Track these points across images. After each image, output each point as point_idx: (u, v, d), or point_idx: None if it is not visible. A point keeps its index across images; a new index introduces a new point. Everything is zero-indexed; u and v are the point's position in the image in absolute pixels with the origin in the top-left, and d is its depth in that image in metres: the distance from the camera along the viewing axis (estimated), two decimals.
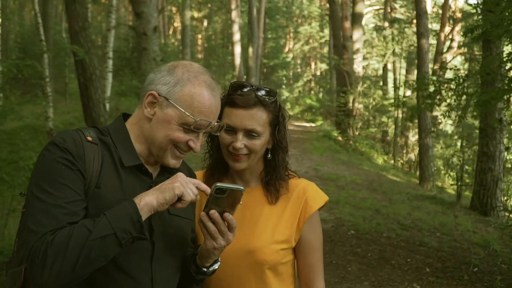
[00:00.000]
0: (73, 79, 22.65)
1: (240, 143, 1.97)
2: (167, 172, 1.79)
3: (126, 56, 21.60)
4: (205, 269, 1.81)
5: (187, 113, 1.67)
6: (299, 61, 52.14)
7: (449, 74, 16.47)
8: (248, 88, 2.02)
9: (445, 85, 8.36)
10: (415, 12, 17.40)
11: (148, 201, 1.55)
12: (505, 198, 12.78)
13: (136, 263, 1.66)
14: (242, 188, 1.65)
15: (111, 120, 10.28)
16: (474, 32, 6.81)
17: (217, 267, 1.85)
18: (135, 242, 1.56)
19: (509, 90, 6.97)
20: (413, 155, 24.16)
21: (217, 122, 1.77)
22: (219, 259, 1.84)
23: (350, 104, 21.82)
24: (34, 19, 12.68)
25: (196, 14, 42.32)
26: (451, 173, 18.92)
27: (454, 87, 8.07)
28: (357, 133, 22.09)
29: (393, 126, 26.24)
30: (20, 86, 17.97)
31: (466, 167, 14.70)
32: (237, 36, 29.51)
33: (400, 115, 23.85)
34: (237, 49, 29.32)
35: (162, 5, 27.03)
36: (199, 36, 44.28)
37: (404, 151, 25.32)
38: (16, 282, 1.61)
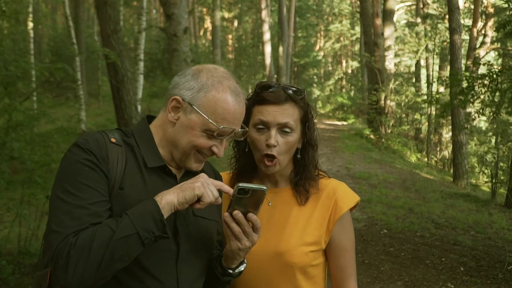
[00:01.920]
0: (106, 82, 22.99)
1: (273, 140, 1.94)
2: (191, 173, 1.78)
3: (157, 57, 21.84)
4: (231, 271, 1.80)
5: (210, 120, 1.66)
6: (330, 59, 51.90)
7: (482, 70, 16.15)
8: (276, 86, 2.01)
9: (479, 81, 8.20)
10: (447, 8, 17.10)
11: (169, 199, 1.56)
12: None
13: (162, 264, 1.66)
14: (265, 188, 1.63)
15: None
16: (507, 27, 6.67)
17: (243, 268, 1.83)
18: (157, 241, 1.56)
19: None
20: (447, 153, 23.77)
21: (241, 127, 1.76)
22: (245, 261, 1.83)
23: (382, 102, 21.58)
24: (66, 22, 12.90)
25: (226, 15, 42.46)
26: (486, 170, 18.55)
27: (488, 83, 7.92)
28: (389, 131, 21.82)
29: (427, 124, 25.86)
30: (53, 89, 18.32)
31: (501, 164, 14.39)
32: (267, 36, 29.48)
33: (434, 112, 23.49)
34: (268, 49, 29.28)
35: (192, 6, 27.21)
36: (230, 36, 44.39)
37: (438, 149, 24.93)
38: (42, 284, 1.63)
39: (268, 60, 29.19)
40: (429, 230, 8.65)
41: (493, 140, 20.69)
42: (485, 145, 20.53)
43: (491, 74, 7.74)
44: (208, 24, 43.13)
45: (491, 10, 21.55)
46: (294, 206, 2.06)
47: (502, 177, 14.11)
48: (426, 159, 23.04)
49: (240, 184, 1.62)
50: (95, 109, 23.28)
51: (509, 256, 7.40)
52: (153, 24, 31.79)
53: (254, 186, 1.63)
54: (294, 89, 2.03)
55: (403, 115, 26.59)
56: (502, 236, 8.73)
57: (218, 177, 2.00)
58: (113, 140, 1.69)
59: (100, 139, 1.66)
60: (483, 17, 21.87)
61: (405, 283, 6.28)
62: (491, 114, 9.10)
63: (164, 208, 1.54)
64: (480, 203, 12.01)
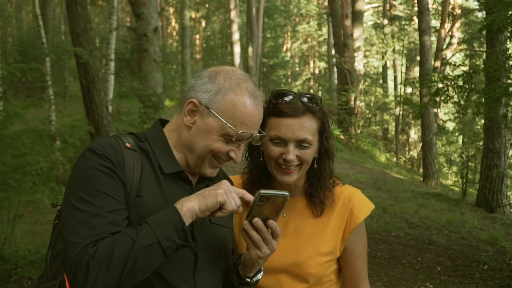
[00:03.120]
0: (73, 82, 22.59)
1: (292, 155, 1.88)
2: (206, 179, 1.73)
3: (126, 57, 21.56)
4: (248, 280, 1.75)
5: (228, 125, 1.61)
6: (297, 60, 52.11)
7: (449, 71, 16.41)
8: (292, 96, 1.92)
9: (452, 82, 8.32)
10: (415, 9, 17.33)
11: (190, 206, 1.50)
12: (511, 194, 12.72)
13: (180, 274, 1.60)
14: (287, 193, 1.58)
15: (114, 122, 10.21)
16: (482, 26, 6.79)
17: (260, 277, 1.78)
18: (179, 250, 1.50)
19: None
20: (415, 152, 24.12)
21: (259, 132, 1.70)
22: (262, 269, 1.78)
23: (352, 102, 21.78)
24: (33, 21, 12.63)
25: (194, 15, 42.25)
26: (454, 170, 18.85)
27: (462, 84, 8.04)
28: (359, 131, 22.04)
29: (394, 124, 26.20)
30: (22, 90, 17.92)
31: (470, 163, 14.63)
32: (236, 36, 29.44)
33: (401, 113, 23.79)
34: (237, 49, 29.23)
35: (161, 6, 26.96)
36: (197, 36, 44.21)
37: (406, 149, 25.29)
38: None
39: (237, 60, 29.14)
40: (403, 230, 8.73)
41: (460, 140, 21.07)
42: (453, 145, 20.90)
43: (465, 75, 7.85)
44: (174, 24, 42.84)
45: (459, 11, 21.97)
46: (309, 217, 2.01)
47: (470, 176, 14.35)
48: (395, 159, 23.34)
49: (262, 191, 1.55)
50: (62, 110, 22.82)
51: (484, 255, 7.51)
52: (120, 23, 31.39)
53: (276, 192, 1.57)
54: (309, 96, 1.95)
55: (372, 116, 26.90)
56: (475, 236, 8.87)
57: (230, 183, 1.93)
58: (128, 145, 1.62)
59: (115, 144, 1.59)
60: (450, 18, 22.28)
61: (384, 283, 6.30)
62: (459, 114, 9.26)
63: (186, 215, 1.48)
64: (451, 202, 12.20)
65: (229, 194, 1.54)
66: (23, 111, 7.40)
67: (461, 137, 20.83)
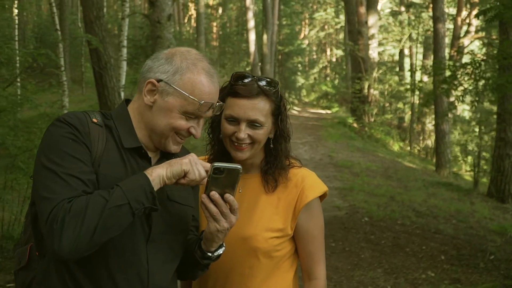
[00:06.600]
0: (89, 68, 22.76)
1: (243, 133, 1.99)
2: (165, 159, 1.80)
3: (141, 44, 21.63)
4: (210, 254, 1.82)
5: (191, 96, 1.70)
6: (314, 48, 51.82)
7: (466, 59, 16.24)
8: (250, 79, 2.03)
9: (461, 70, 8.26)
10: None
11: (159, 173, 1.61)
12: None
13: (133, 244, 1.69)
14: (239, 166, 1.67)
15: None
16: (487, 14, 6.72)
17: (221, 252, 1.85)
18: (146, 212, 1.61)
19: None
20: (430, 142, 23.96)
21: (217, 102, 1.80)
22: (224, 244, 1.85)
23: (365, 91, 21.69)
24: (50, 9, 12.75)
25: (211, 2, 42.18)
26: (468, 159, 18.71)
27: (471, 71, 7.98)
28: (372, 119, 21.95)
29: (410, 112, 26.02)
30: (37, 75, 18.16)
31: (484, 153, 14.55)
32: (251, 23, 29.34)
33: (417, 101, 23.62)
34: (252, 36, 29.15)
35: None
36: (214, 23, 44.14)
37: (421, 138, 25.12)
38: (22, 261, 1.71)
39: (252, 47, 29.07)
40: (410, 219, 8.73)
41: (477, 129, 20.91)
42: (468, 134, 20.74)
43: (474, 62, 7.80)
44: (192, 11, 42.81)
45: None
46: (262, 193, 2.12)
47: (484, 167, 14.28)
48: (409, 148, 23.22)
49: (215, 164, 1.65)
50: (78, 96, 23.12)
51: (491, 245, 7.50)
52: (137, 10, 31.49)
53: (228, 165, 1.66)
54: (268, 80, 2.06)
55: (387, 104, 26.73)
56: (484, 226, 8.84)
57: None
58: (94, 120, 1.73)
59: (82, 117, 1.70)
60: (468, 6, 21.98)
61: (385, 270, 6.34)
62: (473, 102, 9.20)
63: (154, 180, 1.59)
64: (462, 192, 12.14)
65: (194, 165, 1.65)
66: (34, 96, 7.54)
67: (477, 126, 20.67)
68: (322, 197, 2.16)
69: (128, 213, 1.54)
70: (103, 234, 1.51)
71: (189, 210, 1.91)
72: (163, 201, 1.76)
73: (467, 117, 24.86)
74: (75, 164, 1.58)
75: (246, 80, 2.02)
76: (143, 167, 1.70)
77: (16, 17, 18.58)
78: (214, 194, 1.68)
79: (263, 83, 2.03)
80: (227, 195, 1.69)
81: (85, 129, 1.66)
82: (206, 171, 1.67)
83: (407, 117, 27.55)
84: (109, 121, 1.77)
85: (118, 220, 1.53)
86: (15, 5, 18.27)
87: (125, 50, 11.81)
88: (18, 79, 11.80)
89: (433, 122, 19.08)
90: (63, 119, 1.66)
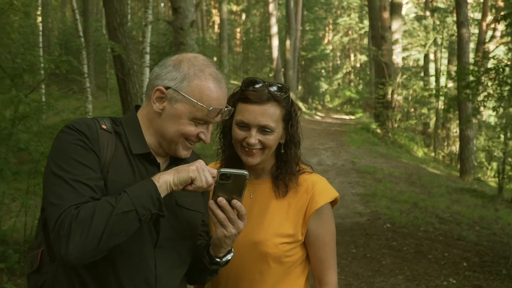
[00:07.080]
0: (114, 75, 23.03)
1: (254, 139, 2.01)
2: (175, 165, 1.81)
3: (165, 50, 21.82)
4: (218, 260, 1.84)
5: (199, 103, 1.71)
6: (338, 53, 51.72)
7: (491, 64, 16.02)
8: (261, 84, 2.04)
9: (485, 75, 8.17)
10: (455, 1, 17.00)
11: (166, 179, 1.62)
12: None
13: (141, 249, 1.71)
14: (246, 172, 1.67)
15: None
16: (508, 19, 6.65)
17: (230, 257, 1.86)
18: (153, 219, 1.63)
19: None
20: (454, 148, 23.65)
21: (226, 107, 1.81)
22: (232, 250, 1.86)
23: (389, 96, 21.53)
24: (73, 16, 12.93)
25: (234, 8, 42.40)
26: (493, 166, 18.40)
27: (494, 77, 7.89)
28: (396, 125, 21.77)
29: (435, 118, 25.73)
30: (60, 81, 18.46)
31: (509, 159, 14.27)
32: (274, 29, 29.45)
33: (441, 107, 23.36)
34: (275, 42, 29.24)
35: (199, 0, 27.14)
36: (238, 29, 44.34)
37: (446, 144, 24.81)
38: (33, 264, 1.73)
39: (275, 53, 29.17)
40: (433, 225, 8.64)
41: (502, 135, 20.58)
42: (494, 140, 20.41)
43: (498, 67, 7.71)
44: (215, 17, 43.08)
45: (501, 3, 21.37)
46: (272, 198, 2.12)
47: (510, 173, 14.02)
48: (433, 154, 22.96)
49: (221, 170, 1.65)
50: (103, 102, 23.39)
51: None
52: (160, 17, 31.79)
53: (235, 171, 1.66)
54: (279, 85, 2.07)
55: (411, 110, 26.48)
56: (508, 232, 8.71)
57: None
58: (104, 126, 1.75)
59: (91, 123, 1.73)
60: (493, 10, 21.71)
61: (406, 277, 6.28)
62: (496, 108, 9.08)
63: (161, 187, 1.61)
64: (486, 198, 11.97)
65: (201, 171, 1.66)
66: (57, 102, 7.66)
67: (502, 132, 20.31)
68: (333, 203, 2.16)
69: (135, 219, 1.55)
70: (109, 240, 1.53)
71: (198, 216, 1.92)
72: (172, 207, 1.78)
73: (493, 123, 24.46)
74: (83, 170, 1.61)
75: (256, 86, 2.04)
76: (152, 173, 1.71)
77: (40, 24, 18.85)
78: (221, 200, 1.68)
79: (273, 88, 2.04)
80: (234, 201, 1.69)
81: (94, 136, 1.69)
82: (214, 178, 1.68)
83: (432, 122, 27.25)
84: (119, 127, 1.80)
85: (125, 226, 1.54)
86: (39, 12, 18.50)
87: (148, 57, 11.91)
88: (43, 86, 12.00)
89: (458, 128, 18.86)
90: (72, 126, 1.68)
